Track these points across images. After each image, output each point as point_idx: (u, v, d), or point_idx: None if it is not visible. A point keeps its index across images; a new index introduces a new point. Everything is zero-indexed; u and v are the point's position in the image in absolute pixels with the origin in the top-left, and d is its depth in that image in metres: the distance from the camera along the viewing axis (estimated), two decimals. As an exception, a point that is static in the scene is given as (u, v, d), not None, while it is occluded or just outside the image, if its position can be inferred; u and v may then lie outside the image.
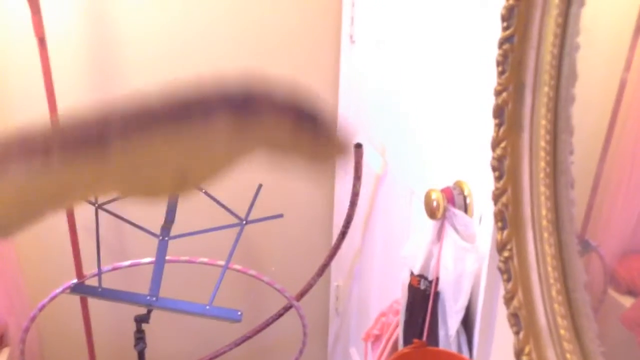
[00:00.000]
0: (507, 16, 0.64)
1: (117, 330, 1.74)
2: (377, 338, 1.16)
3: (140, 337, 1.31)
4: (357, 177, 1.37)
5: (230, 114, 0.26)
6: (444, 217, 0.85)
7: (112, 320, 1.73)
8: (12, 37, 1.41)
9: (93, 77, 1.50)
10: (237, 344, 1.60)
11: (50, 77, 1.29)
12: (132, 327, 1.30)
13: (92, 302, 1.55)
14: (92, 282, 1.35)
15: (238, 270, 1.46)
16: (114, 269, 1.44)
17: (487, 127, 0.70)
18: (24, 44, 1.40)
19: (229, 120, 0.26)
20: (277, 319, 1.57)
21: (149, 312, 1.28)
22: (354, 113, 1.52)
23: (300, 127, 0.28)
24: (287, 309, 1.54)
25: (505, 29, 0.64)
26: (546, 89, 0.62)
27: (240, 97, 0.26)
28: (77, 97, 1.48)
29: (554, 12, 0.60)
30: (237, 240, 1.30)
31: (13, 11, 1.39)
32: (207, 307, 1.23)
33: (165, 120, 0.25)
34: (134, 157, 0.25)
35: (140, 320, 1.29)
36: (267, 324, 1.59)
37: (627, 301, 0.67)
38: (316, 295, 1.80)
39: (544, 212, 0.63)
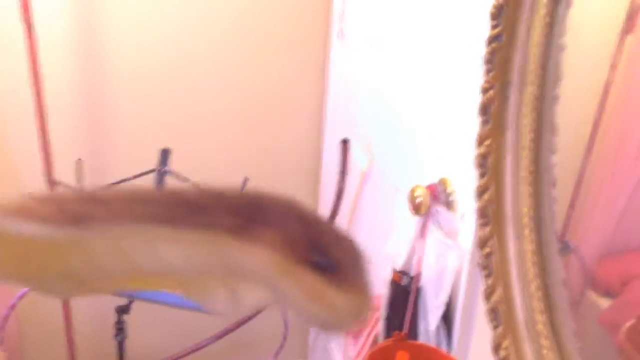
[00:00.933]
0: (496, 15, 0.64)
1: (97, 320, 1.73)
2: (358, 333, 1.17)
3: (120, 328, 1.30)
4: (343, 172, 1.38)
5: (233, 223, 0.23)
6: (427, 213, 0.86)
7: (92, 310, 1.72)
8: (-2, 21, 1.40)
9: (80, 64, 1.48)
10: (219, 337, 1.59)
11: (36, 63, 1.28)
12: (113, 317, 1.29)
13: (72, 291, 1.54)
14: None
15: (221, 263, 1.46)
16: (96, 258, 1.43)
17: (472, 125, 0.71)
18: (9, 29, 1.38)
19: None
20: (258, 313, 1.57)
21: (130, 302, 1.28)
22: (342, 109, 1.53)
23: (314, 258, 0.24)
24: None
25: (493, 27, 0.65)
26: (531, 88, 0.63)
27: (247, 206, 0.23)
28: (63, 84, 1.47)
29: (541, 11, 0.61)
30: (220, 233, 1.30)
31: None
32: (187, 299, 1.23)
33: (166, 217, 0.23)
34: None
35: (121, 311, 1.28)
36: (249, 317, 1.59)
37: (604, 302, 0.68)
38: (298, 290, 1.80)
39: (525, 209, 0.64)
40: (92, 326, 1.74)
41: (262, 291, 0.22)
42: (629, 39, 0.61)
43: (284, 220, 0.21)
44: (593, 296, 0.69)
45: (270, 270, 0.20)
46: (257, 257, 0.20)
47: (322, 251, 0.21)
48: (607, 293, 0.68)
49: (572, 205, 0.69)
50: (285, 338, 1.54)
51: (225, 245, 0.21)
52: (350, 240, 0.23)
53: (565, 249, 0.68)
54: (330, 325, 0.23)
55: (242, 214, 0.21)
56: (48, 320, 1.68)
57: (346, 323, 0.22)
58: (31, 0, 1.23)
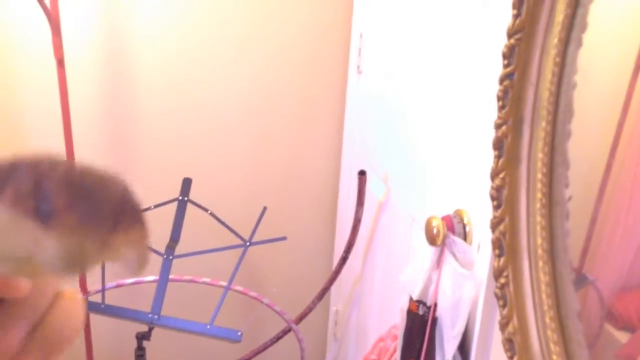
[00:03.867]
0: (508, 54, 0.67)
1: (118, 346, 1.75)
2: (375, 363, 1.18)
3: (141, 355, 1.32)
4: (360, 203, 1.40)
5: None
6: (443, 244, 0.87)
7: (113, 336, 1.74)
8: (30, 58, 1.46)
9: (109, 100, 1.54)
10: (235, 365, 1.60)
11: (67, 99, 1.33)
12: (133, 344, 1.32)
13: (93, 318, 1.56)
14: (95, 298, 1.37)
15: (240, 292, 1.48)
16: (118, 286, 1.46)
17: (487, 159, 0.73)
18: (41, 65, 1.44)
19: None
20: (275, 341, 1.58)
21: (151, 329, 1.30)
22: (359, 141, 1.56)
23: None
24: (285, 332, 1.55)
25: (506, 66, 0.68)
26: (544, 123, 0.65)
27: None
28: (92, 120, 1.53)
29: (552, 51, 0.64)
30: (240, 261, 1.32)
31: (31, 33, 1.44)
32: (208, 327, 1.25)
33: None
34: None
35: (142, 337, 1.30)
36: (266, 346, 1.60)
37: (623, 337, 0.68)
38: (315, 319, 1.81)
39: (539, 241, 0.65)
40: (113, 352, 1.76)
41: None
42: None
43: (20, 175, 0.23)
44: (611, 330, 0.69)
45: (4, 224, 0.22)
46: None
47: (44, 198, 0.23)
48: (625, 327, 0.68)
49: (588, 238, 0.70)
50: (302, 367, 1.55)
51: None
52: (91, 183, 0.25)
53: (583, 281, 0.68)
54: (53, 268, 0.24)
55: None
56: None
57: (63, 265, 0.24)
58: (62, 39, 1.29)
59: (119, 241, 0.25)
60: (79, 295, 0.28)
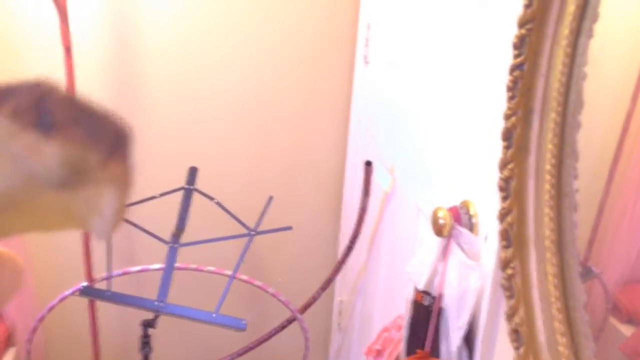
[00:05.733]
0: (519, 45, 0.67)
1: (123, 333, 1.76)
2: (379, 353, 1.18)
3: (146, 342, 1.33)
4: (366, 193, 1.40)
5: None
6: (450, 235, 0.87)
7: (118, 323, 1.75)
8: (38, 45, 1.46)
9: (115, 87, 1.54)
10: (239, 354, 1.61)
11: (74, 86, 1.33)
12: (139, 331, 1.32)
13: (100, 305, 1.58)
14: (101, 285, 1.37)
15: (244, 281, 1.48)
16: (124, 273, 1.46)
17: (494, 150, 0.73)
18: (49, 53, 1.44)
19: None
20: (280, 330, 1.59)
21: (156, 317, 1.31)
22: (365, 131, 1.56)
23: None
24: (290, 321, 1.56)
25: (516, 56, 0.67)
26: (553, 115, 0.65)
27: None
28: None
29: (563, 42, 0.63)
30: (245, 251, 1.32)
31: (39, 20, 1.44)
32: (214, 315, 1.26)
33: None
34: None
35: (147, 325, 1.31)
36: (270, 335, 1.60)
37: (627, 330, 0.68)
38: (320, 309, 1.81)
39: (547, 232, 0.65)
40: (118, 339, 1.77)
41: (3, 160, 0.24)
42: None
43: (21, 92, 0.24)
44: (616, 323, 0.69)
45: (0, 135, 0.23)
46: None
47: (46, 111, 0.23)
48: (630, 320, 0.68)
49: (595, 231, 0.70)
50: (305, 357, 1.56)
51: None
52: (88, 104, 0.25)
53: (588, 274, 0.68)
54: (59, 179, 0.24)
55: None
56: (75, 333, 1.72)
57: (62, 175, 0.24)
58: (70, 27, 1.29)
59: (113, 167, 0.25)
60: (16, 255, 0.28)
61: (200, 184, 1.38)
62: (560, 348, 0.62)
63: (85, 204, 0.26)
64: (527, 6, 0.64)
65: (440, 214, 0.87)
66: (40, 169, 0.23)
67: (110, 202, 0.26)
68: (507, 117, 0.69)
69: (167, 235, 1.34)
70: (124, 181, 0.27)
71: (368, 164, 1.42)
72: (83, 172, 0.25)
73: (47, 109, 0.23)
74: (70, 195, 0.25)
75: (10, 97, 0.23)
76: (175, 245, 1.33)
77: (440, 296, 0.89)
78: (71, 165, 0.24)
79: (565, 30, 0.62)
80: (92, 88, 1.51)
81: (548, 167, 0.66)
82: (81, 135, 0.24)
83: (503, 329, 0.77)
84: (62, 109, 0.24)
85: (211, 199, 1.37)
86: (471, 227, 0.87)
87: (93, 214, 0.26)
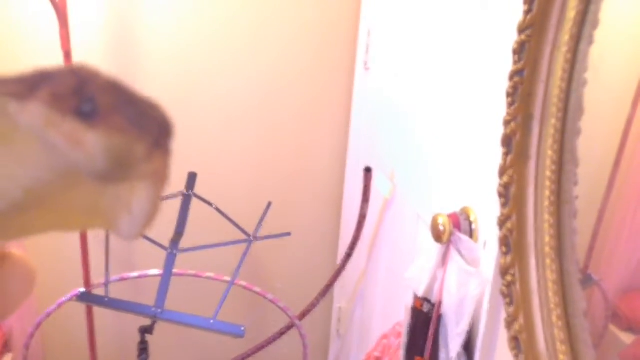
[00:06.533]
0: (519, 50, 0.67)
1: (120, 340, 1.76)
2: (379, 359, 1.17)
3: (143, 348, 1.32)
4: (365, 200, 1.40)
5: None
6: (449, 241, 0.87)
7: (116, 329, 1.74)
8: (38, 49, 1.46)
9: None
10: (238, 360, 1.61)
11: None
12: (136, 337, 1.32)
13: (97, 311, 1.57)
14: (99, 291, 1.37)
15: (243, 287, 1.48)
16: (122, 279, 1.46)
17: (494, 156, 0.73)
18: (48, 57, 1.44)
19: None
20: (278, 337, 1.58)
21: (154, 323, 1.30)
22: (365, 137, 1.55)
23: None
24: (289, 327, 1.55)
25: (516, 62, 0.67)
26: (553, 121, 0.65)
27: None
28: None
29: (563, 48, 0.63)
30: (244, 256, 1.32)
31: (39, 24, 1.44)
32: (212, 321, 1.25)
33: None
34: None
35: (145, 331, 1.30)
36: (269, 342, 1.60)
37: (627, 338, 0.68)
38: (318, 316, 1.81)
39: (547, 239, 0.65)
40: (116, 346, 1.76)
41: (40, 147, 0.23)
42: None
43: (59, 78, 0.23)
44: (615, 330, 0.69)
45: (37, 123, 0.22)
46: (27, 113, 0.22)
47: (87, 98, 0.22)
48: (630, 328, 0.67)
49: (595, 238, 0.70)
50: (304, 363, 1.55)
51: (5, 109, 0.22)
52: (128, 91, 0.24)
53: (588, 281, 0.68)
54: (102, 170, 0.23)
55: (27, 82, 0.23)
56: (72, 339, 1.71)
57: (105, 165, 0.23)
58: (70, 32, 1.29)
59: (156, 160, 0.24)
60: (28, 259, 0.27)
61: (199, 189, 1.38)
62: (561, 356, 0.62)
63: (117, 201, 0.24)
64: (527, 12, 0.64)
65: (440, 220, 0.87)
66: (82, 160, 0.22)
67: (143, 199, 0.25)
68: (507, 123, 0.69)
69: (165, 241, 1.33)
70: (162, 176, 0.25)
71: (368, 170, 1.41)
72: (127, 164, 0.23)
73: (89, 95, 0.22)
74: (102, 191, 0.24)
75: (48, 82, 0.22)
76: (174, 251, 1.32)
77: (440, 303, 0.88)
78: (116, 155, 0.23)
79: (566, 36, 0.62)
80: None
81: (548, 173, 0.65)
82: (126, 123, 0.23)
83: (503, 336, 0.76)
84: (105, 96, 0.23)
85: (210, 204, 1.37)
86: (471, 234, 0.87)
87: (123, 212, 0.25)
